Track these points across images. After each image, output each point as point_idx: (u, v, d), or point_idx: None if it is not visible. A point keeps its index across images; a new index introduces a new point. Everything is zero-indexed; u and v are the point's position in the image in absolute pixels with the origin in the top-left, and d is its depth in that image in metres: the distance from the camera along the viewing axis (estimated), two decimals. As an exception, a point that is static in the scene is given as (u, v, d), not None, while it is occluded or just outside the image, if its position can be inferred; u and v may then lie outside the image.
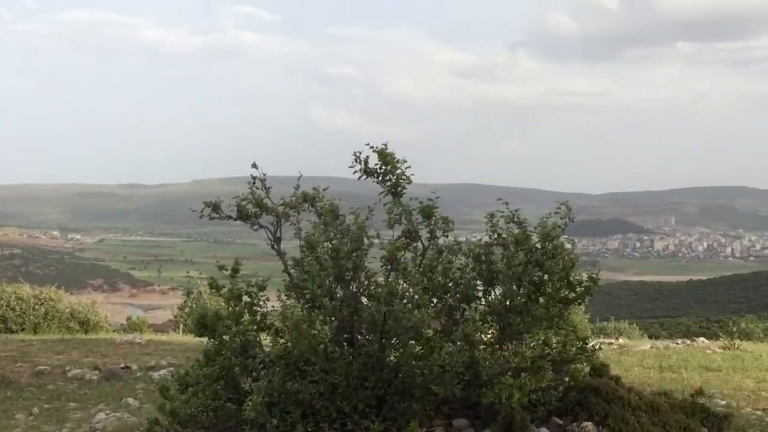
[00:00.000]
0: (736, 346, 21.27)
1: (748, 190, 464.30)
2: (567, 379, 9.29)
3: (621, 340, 23.85)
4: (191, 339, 20.93)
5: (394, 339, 8.41)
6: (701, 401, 10.61)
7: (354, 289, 8.61)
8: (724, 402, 11.84)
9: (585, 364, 9.56)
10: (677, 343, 22.94)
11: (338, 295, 8.58)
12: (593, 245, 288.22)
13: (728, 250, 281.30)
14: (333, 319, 8.38)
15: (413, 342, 8.39)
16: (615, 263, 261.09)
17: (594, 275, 9.56)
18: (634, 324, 35.08)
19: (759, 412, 11.20)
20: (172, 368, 15.11)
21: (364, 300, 8.61)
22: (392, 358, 8.43)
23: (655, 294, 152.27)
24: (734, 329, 34.15)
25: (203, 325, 8.84)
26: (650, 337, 29.86)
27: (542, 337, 9.29)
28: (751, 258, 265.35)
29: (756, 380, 14.36)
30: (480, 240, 9.80)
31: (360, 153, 9.38)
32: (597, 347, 10.14)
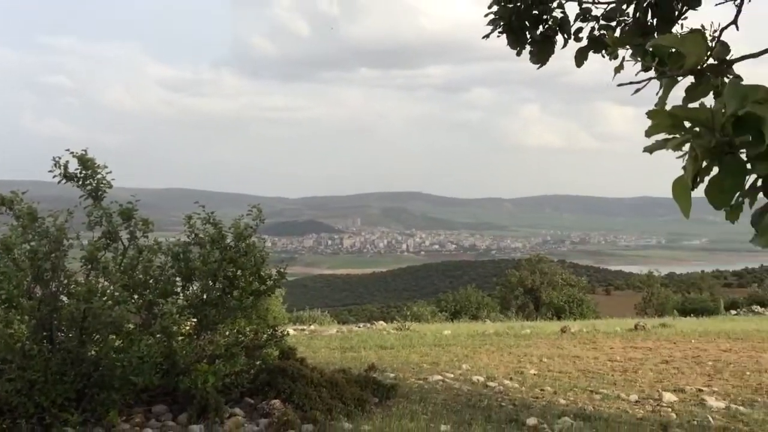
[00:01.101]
0: (406, 327, 22.81)
1: (420, 195, 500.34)
2: (259, 362, 9.47)
3: (313, 327, 24.59)
4: None
5: (95, 334, 8.08)
6: (374, 375, 11.33)
7: (53, 289, 8.15)
8: (393, 375, 12.65)
9: (275, 348, 9.81)
10: (359, 327, 24.12)
11: (37, 295, 8.08)
12: (291, 244, 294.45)
13: (404, 246, 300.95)
14: (31, 318, 7.86)
15: (114, 336, 8.13)
16: (310, 259, 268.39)
17: (282, 270, 9.83)
18: (326, 312, 36.20)
19: (420, 382, 12.12)
20: None
21: (65, 299, 8.19)
22: (93, 352, 8.07)
23: (345, 285, 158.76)
24: (408, 313, 36.60)
25: None
26: (340, 323, 31.06)
27: (236, 327, 9.39)
28: (422, 252, 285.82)
29: (420, 355, 15.52)
30: (179, 240, 9.69)
31: (60, 158, 8.91)
32: (285, 333, 10.45)
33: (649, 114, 1.84)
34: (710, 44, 3.61)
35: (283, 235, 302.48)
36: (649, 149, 1.91)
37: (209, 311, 8.94)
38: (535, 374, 12.96)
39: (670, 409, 10.05)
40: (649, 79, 2.62)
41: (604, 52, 4.54)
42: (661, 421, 9.32)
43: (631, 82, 2.55)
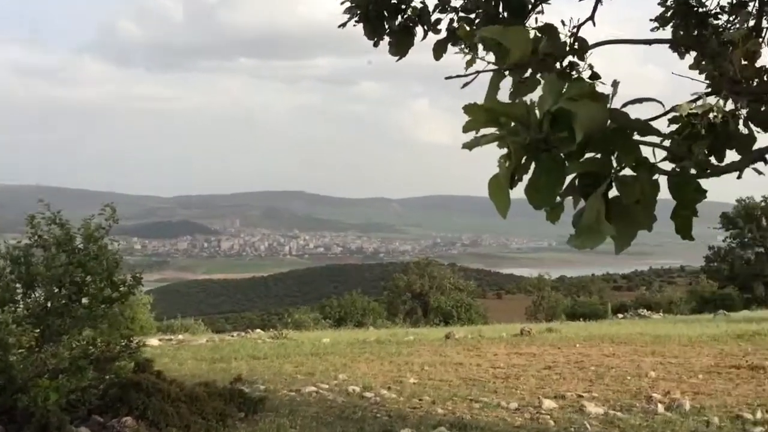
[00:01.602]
0: (284, 335, 22.68)
1: (304, 194, 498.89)
2: (110, 376, 9.17)
3: (181, 336, 24.11)
4: None
5: None
6: (241, 387, 11.18)
7: None
8: (263, 386, 12.52)
9: (129, 360, 9.54)
10: (233, 336, 23.82)
11: None
12: (163, 246, 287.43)
13: (287, 248, 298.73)
14: None
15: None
16: (185, 263, 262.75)
17: (137, 275, 9.59)
18: (200, 320, 35.59)
19: (292, 393, 12.05)
20: None
21: None
22: None
23: (222, 291, 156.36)
24: (289, 320, 36.47)
25: None
26: (216, 332, 30.61)
27: (85, 338, 9.06)
28: (306, 256, 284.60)
29: (295, 365, 15.45)
30: (20, 242, 9.27)
31: None
32: (141, 344, 10.18)
33: (466, 109, 1.87)
34: (567, 39, 3.75)
35: (154, 237, 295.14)
36: (468, 146, 1.94)
37: (53, 321, 8.60)
38: (414, 383, 13.11)
39: (549, 417, 10.37)
40: (477, 72, 2.67)
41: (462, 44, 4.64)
42: (538, 428, 9.61)
43: (458, 75, 2.60)
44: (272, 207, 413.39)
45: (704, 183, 2.09)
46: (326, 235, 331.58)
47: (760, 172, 2.92)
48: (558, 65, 3.62)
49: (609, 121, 1.82)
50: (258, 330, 27.06)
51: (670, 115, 3.33)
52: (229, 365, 15.39)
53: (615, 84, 1.95)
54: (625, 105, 1.93)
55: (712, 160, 3.16)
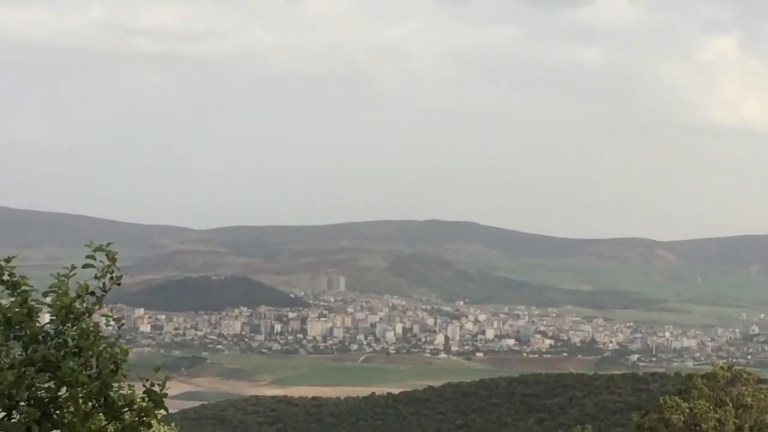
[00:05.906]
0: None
1: (476, 228, 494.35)
2: None
3: None
4: None
5: None
6: None
7: None
8: None
9: None
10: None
11: None
12: (197, 326, 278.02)
13: (439, 338, 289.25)
14: None
15: None
16: (236, 360, 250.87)
17: (159, 388, 9.21)
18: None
19: None
20: None
21: None
22: None
23: (309, 420, 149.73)
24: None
25: None
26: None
27: None
28: (480, 354, 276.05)
29: None
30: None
31: None
32: None
33: None
34: None
35: (176, 308, 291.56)
36: None
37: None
38: None
39: None
40: None
41: None
42: None
43: None
44: (408, 252, 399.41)
45: None
46: (521, 313, 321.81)
47: None
48: None
49: None
50: None
51: None
52: None
53: None
54: None
55: None
